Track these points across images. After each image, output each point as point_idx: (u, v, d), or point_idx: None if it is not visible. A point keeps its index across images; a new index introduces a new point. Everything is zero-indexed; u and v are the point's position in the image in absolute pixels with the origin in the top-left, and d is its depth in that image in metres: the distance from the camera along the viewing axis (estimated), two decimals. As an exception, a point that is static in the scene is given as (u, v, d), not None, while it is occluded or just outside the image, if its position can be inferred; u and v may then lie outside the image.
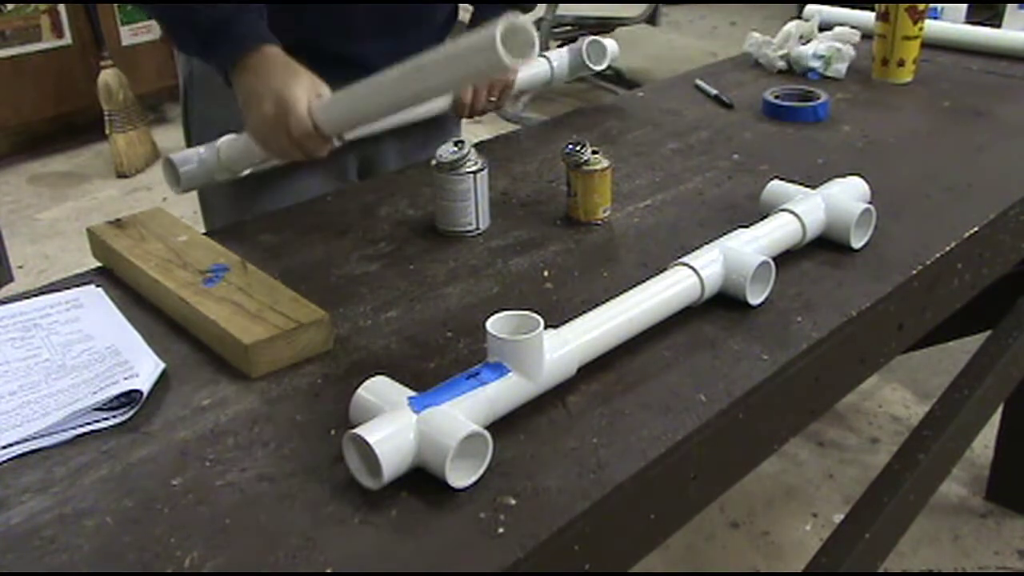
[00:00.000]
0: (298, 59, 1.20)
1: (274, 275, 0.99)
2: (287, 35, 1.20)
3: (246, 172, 1.20)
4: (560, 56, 1.52)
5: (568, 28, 4.20)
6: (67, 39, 3.72)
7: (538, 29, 3.93)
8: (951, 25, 1.85)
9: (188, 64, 1.31)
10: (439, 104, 1.35)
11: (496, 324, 0.80)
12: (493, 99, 1.36)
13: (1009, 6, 1.95)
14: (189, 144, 1.36)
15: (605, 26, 4.21)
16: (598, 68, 1.53)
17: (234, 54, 1.05)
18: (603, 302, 0.89)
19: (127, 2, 3.81)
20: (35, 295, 1.01)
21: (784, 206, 1.07)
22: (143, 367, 0.86)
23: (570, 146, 1.14)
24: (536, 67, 1.49)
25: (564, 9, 4.02)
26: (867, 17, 1.79)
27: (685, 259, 0.95)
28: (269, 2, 1.17)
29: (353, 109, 1.01)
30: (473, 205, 1.11)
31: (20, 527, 0.70)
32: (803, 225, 1.05)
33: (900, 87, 1.63)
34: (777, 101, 1.50)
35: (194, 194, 1.38)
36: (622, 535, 0.76)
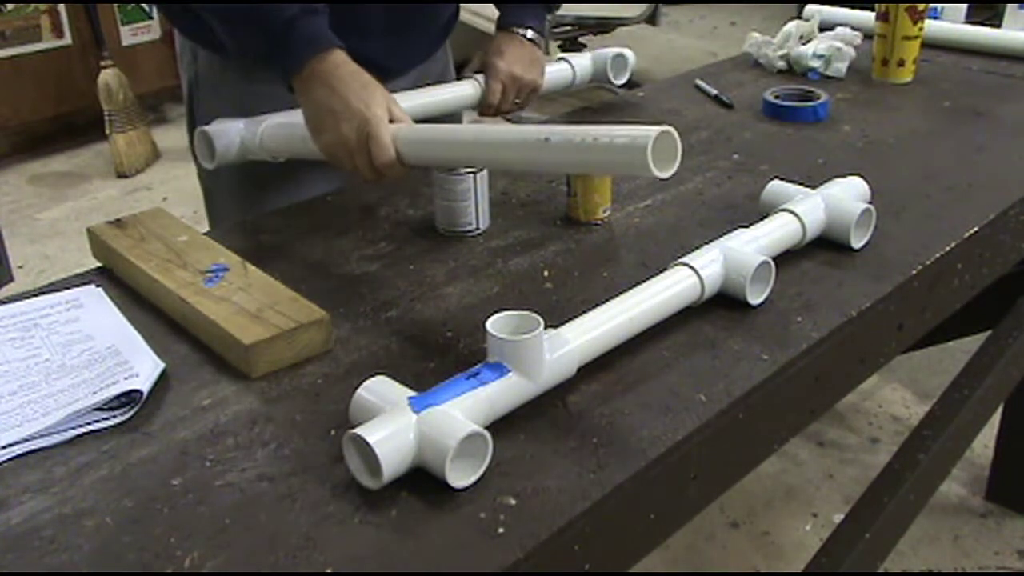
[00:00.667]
0: None
1: (274, 275, 0.99)
2: None
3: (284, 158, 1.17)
4: (583, 64, 1.51)
5: (568, 28, 4.19)
6: (67, 39, 3.72)
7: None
8: (951, 25, 1.85)
9: (193, 65, 1.31)
10: (464, 103, 1.35)
11: (496, 324, 0.80)
12: (519, 101, 1.37)
13: (1009, 6, 1.95)
14: (193, 145, 1.35)
15: (605, 26, 4.20)
16: (619, 82, 1.53)
17: (303, 58, 1.02)
18: (603, 302, 0.89)
19: (144, 1, 3.81)
20: (35, 295, 1.01)
21: (784, 206, 1.07)
22: (143, 367, 0.86)
23: (570, 146, 1.14)
24: (559, 71, 1.49)
25: (564, 9, 4.01)
26: (867, 17, 1.79)
27: (685, 259, 0.95)
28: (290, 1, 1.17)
29: (448, 152, 0.98)
30: (473, 205, 1.11)
31: (20, 527, 0.70)
32: (803, 225, 1.05)
33: (900, 87, 1.63)
34: (777, 101, 1.50)
35: (194, 194, 1.38)
36: (622, 535, 0.76)
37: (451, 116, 1.37)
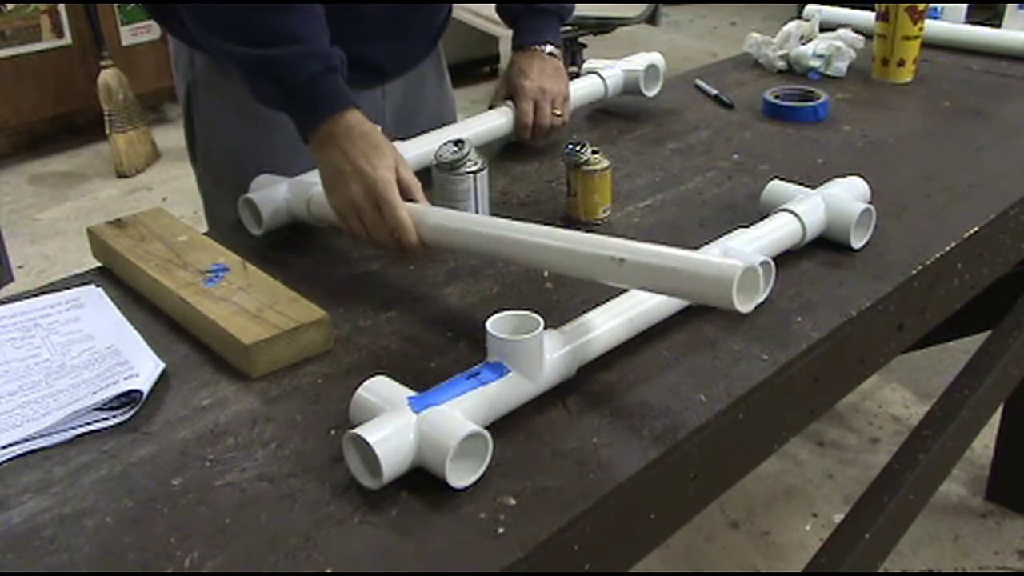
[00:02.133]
0: None
1: (274, 275, 0.99)
2: None
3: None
4: (615, 77, 1.48)
5: (568, 28, 4.19)
6: (67, 39, 3.72)
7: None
8: (951, 25, 1.85)
9: (191, 69, 1.30)
10: (498, 132, 1.32)
11: (496, 324, 0.80)
12: (558, 112, 1.34)
13: (1009, 6, 1.95)
14: (192, 148, 1.34)
15: (605, 26, 4.20)
16: (650, 94, 1.49)
17: (319, 119, 1.01)
18: (603, 302, 0.89)
19: (136, 1, 3.80)
20: (35, 295, 1.01)
21: (784, 206, 1.06)
22: (143, 367, 0.86)
23: (570, 146, 1.14)
24: (589, 85, 1.46)
25: (564, 9, 4.01)
26: (867, 17, 1.79)
27: (685, 259, 0.95)
28: (280, 4, 1.16)
29: (492, 248, 0.93)
30: (473, 205, 1.11)
31: (20, 527, 0.70)
32: (803, 225, 1.05)
33: (900, 87, 1.63)
34: (777, 101, 1.50)
35: (194, 194, 1.38)
36: (622, 535, 0.76)
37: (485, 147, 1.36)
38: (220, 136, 1.24)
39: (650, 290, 0.82)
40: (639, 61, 1.50)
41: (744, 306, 0.76)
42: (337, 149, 1.00)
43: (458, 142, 1.11)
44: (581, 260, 0.83)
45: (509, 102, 1.34)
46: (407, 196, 0.99)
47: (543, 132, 1.34)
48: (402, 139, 1.23)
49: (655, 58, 1.52)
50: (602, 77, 1.47)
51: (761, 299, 0.96)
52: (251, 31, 1.02)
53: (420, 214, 0.97)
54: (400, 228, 0.96)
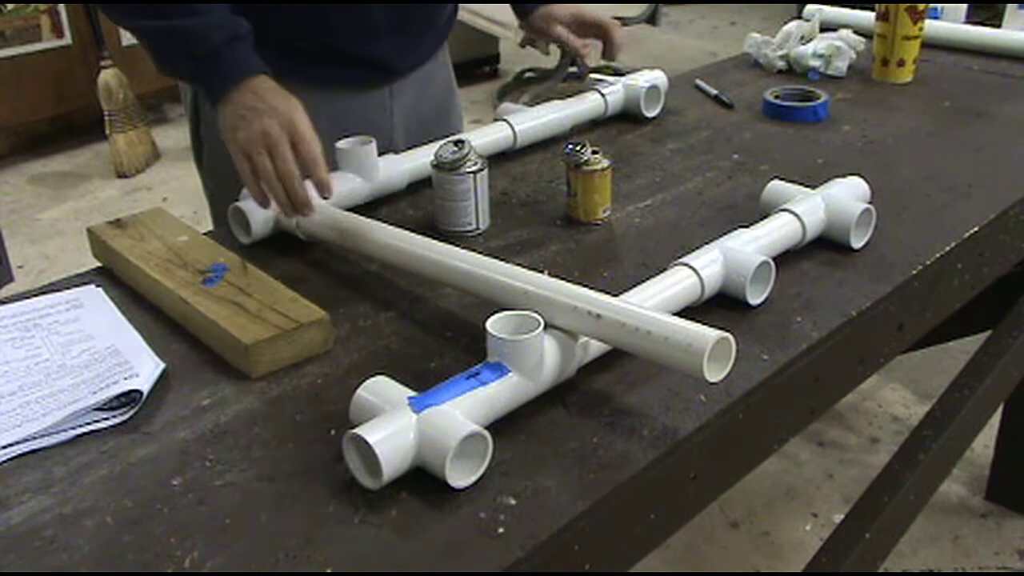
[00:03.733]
0: (311, 57, 1.18)
1: (274, 275, 0.99)
2: (300, 33, 1.20)
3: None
4: (615, 94, 1.48)
5: (568, 28, 4.19)
6: (67, 39, 3.72)
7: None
8: (951, 25, 1.85)
9: None
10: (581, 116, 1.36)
11: (496, 324, 0.80)
12: (609, 41, 1.38)
13: (1009, 6, 1.95)
14: (198, 151, 1.35)
15: (605, 26, 4.20)
16: (650, 115, 1.48)
17: (227, 85, 1.03)
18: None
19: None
20: (35, 295, 1.01)
21: (784, 206, 1.07)
22: (143, 367, 0.86)
23: (570, 146, 1.14)
24: (591, 102, 1.46)
25: (564, 9, 4.01)
26: (867, 17, 1.79)
27: (685, 259, 0.95)
28: (286, 2, 1.16)
29: (460, 282, 0.94)
30: (473, 205, 1.11)
31: (20, 527, 0.70)
32: (803, 225, 1.05)
33: (900, 87, 1.63)
34: (777, 101, 1.50)
35: (194, 194, 1.38)
36: (622, 535, 0.76)
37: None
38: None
39: (623, 347, 0.82)
40: (642, 80, 1.50)
41: (713, 376, 0.76)
42: (251, 94, 1.02)
43: (458, 142, 1.11)
44: (561, 311, 0.83)
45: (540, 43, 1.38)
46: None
47: (588, 71, 1.39)
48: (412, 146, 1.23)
49: (657, 77, 1.52)
50: (603, 94, 1.47)
51: (761, 299, 0.96)
52: (156, 4, 1.04)
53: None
54: (316, 164, 0.99)
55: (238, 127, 1.02)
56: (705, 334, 0.75)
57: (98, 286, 1.03)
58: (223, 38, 1.03)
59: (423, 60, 1.36)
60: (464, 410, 0.74)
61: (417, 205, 1.21)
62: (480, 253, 0.95)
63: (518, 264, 0.91)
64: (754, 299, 0.96)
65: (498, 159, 1.33)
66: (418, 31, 1.31)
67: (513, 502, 0.71)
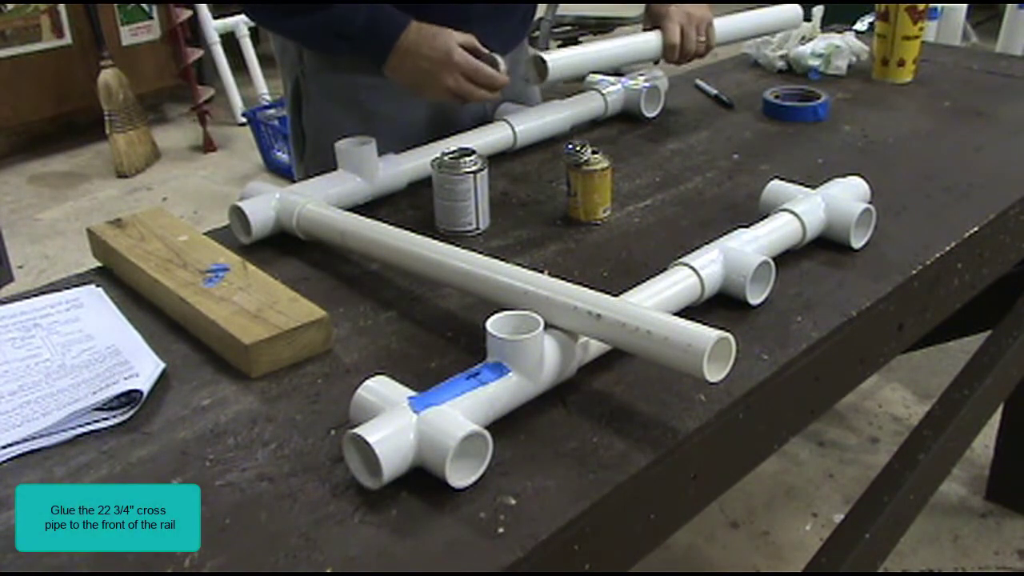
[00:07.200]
0: None
1: (274, 275, 0.99)
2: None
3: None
4: (616, 94, 1.48)
5: (568, 28, 4.19)
6: (67, 39, 3.71)
7: (537, 29, 3.90)
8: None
9: (299, 63, 1.34)
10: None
11: (496, 324, 0.80)
12: (703, 39, 1.41)
13: (1009, 6, 1.95)
14: (300, 147, 1.38)
15: (605, 26, 4.20)
16: (650, 115, 1.49)
17: (387, 49, 1.19)
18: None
19: (152, 3, 3.80)
20: (35, 295, 1.01)
21: (784, 206, 1.07)
22: (143, 367, 0.86)
23: (570, 146, 1.14)
24: (591, 101, 1.47)
25: (564, 9, 4.00)
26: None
27: (685, 259, 0.95)
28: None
29: (472, 286, 0.93)
30: (473, 205, 1.11)
31: (20, 527, 0.70)
32: (803, 225, 1.05)
33: (900, 87, 1.63)
34: (777, 101, 1.50)
35: (194, 194, 1.38)
36: (622, 535, 0.76)
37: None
38: (329, 133, 1.25)
39: (623, 347, 0.82)
40: (642, 80, 1.50)
41: (714, 376, 0.76)
42: (411, 57, 1.19)
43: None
44: (560, 312, 0.82)
45: (656, 31, 1.41)
46: (474, 53, 1.21)
47: (689, 55, 1.41)
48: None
49: (657, 77, 1.52)
50: (603, 94, 1.47)
51: (761, 299, 0.96)
52: (296, 4, 1.19)
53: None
54: (490, 79, 1.21)
55: (422, 90, 1.22)
56: (705, 334, 0.75)
57: (98, 286, 1.03)
58: (365, 14, 1.18)
59: (516, 41, 1.43)
60: (464, 410, 0.74)
61: (417, 205, 1.21)
62: (480, 253, 0.95)
63: (518, 264, 0.91)
64: (754, 299, 0.96)
65: (498, 159, 1.33)
66: (504, 17, 1.37)
67: (513, 502, 0.71)
